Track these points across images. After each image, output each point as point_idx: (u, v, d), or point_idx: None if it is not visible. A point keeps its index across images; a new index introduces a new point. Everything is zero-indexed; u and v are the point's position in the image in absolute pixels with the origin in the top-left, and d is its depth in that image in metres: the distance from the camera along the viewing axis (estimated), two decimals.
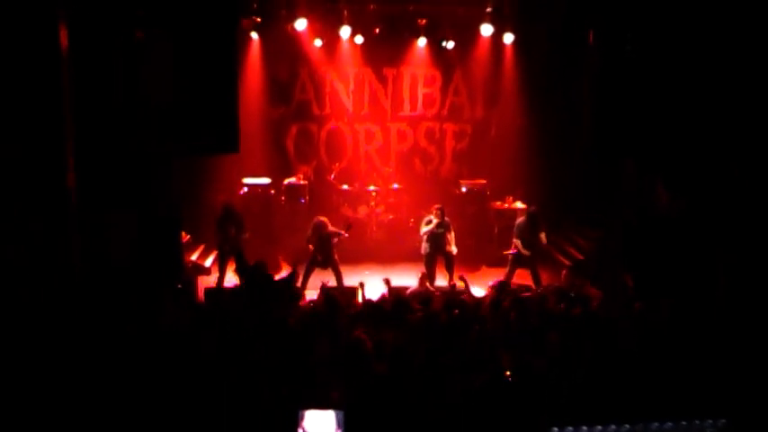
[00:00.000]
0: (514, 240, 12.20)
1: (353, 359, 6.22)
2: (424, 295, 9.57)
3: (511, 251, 12.32)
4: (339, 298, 9.13)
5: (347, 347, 6.44)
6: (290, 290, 9.79)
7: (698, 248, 10.70)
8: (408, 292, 10.39)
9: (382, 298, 9.41)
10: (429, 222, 12.40)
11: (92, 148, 9.58)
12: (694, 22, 10.51)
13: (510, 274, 12.20)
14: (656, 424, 4.59)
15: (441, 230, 12.37)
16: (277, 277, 10.33)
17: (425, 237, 12.44)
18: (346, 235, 12.15)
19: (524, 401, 5.39)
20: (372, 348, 6.37)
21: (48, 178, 8.80)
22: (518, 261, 12.20)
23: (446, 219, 12.47)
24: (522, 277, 12.16)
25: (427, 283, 11.19)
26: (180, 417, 5.43)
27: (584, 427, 4.54)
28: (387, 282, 10.36)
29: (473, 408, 5.37)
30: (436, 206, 12.50)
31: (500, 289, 9.89)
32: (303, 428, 4.97)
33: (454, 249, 12.43)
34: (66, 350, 6.30)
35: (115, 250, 9.93)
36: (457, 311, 7.97)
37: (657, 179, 12.06)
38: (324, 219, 12.28)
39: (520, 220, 12.53)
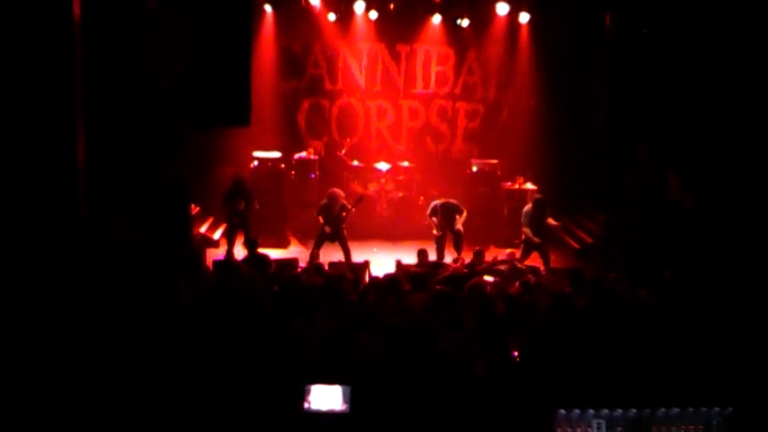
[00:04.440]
0: (524, 229, 12.15)
1: (380, 344, 6.18)
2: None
3: (521, 239, 12.29)
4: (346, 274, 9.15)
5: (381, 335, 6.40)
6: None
7: (705, 240, 10.65)
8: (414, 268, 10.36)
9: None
10: (434, 213, 12.43)
11: (101, 122, 9.52)
12: (714, 7, 10.38)
13: (522, 260, 12.18)
14: (663, 410, 4.60)
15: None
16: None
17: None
18: (353, 210, 12.11)
19: (532, 383, 5.39)
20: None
21: (58, 152, 8.70)
22: (529, 247, 12.18)
23: (453, 201, 12.47)
24: (533, 260, 12.14)
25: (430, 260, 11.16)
26: (186, 393, 5.42)
27: (591, 411, 4.55)
28: (398, 264, 10.35)
29: (480, 388, 5.37)
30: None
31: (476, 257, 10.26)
32: (309, 402, 4.99)
33: (461, 227, 12.42)
34: (73, 328, 6.27)
35: (121, 226, 9.89)
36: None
37: (669, 168, 11.99)
38: (338, 191, 12.30)
39: (527, 207, 12.45)
